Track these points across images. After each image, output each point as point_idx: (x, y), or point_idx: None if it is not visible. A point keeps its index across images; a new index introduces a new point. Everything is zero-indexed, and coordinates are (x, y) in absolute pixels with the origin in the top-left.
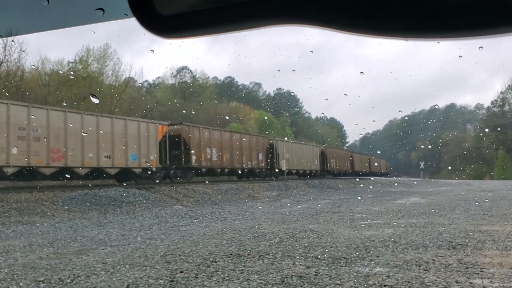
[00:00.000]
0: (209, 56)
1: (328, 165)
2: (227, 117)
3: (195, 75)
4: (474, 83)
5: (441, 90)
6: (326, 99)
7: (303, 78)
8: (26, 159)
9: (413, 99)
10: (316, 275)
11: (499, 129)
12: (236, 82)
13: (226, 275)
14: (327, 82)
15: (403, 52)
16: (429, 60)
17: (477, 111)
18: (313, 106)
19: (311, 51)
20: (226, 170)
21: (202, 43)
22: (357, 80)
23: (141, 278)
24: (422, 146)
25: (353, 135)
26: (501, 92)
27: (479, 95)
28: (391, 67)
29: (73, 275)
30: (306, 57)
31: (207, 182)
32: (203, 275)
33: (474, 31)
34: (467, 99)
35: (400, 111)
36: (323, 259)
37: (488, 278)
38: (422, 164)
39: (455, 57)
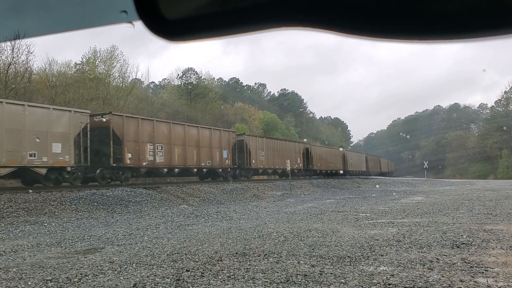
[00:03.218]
0: (215, 57)
1: (348, 166)
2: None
3: (201, 76)
4: (484, 84)
5: (448, 91)
6: (331, 100)
7: (307, 78)
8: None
9: (417, 99)
10: (321, 274)
11: (504, 128)
12: (241, 83)
13: (231, 273)
14: (331, 83)
15: (409, 52)
16: (436, 61)
17: (481, 111)
18: (318, 107)
19: (312, 52)
20: (273, 170)
21: (205, 45)
22: (362, 81)
23: (148, 277)
24: (426, 145)
25: (357, 135)
26: (505, 92)
27: (489, 95)
28: (396, 68)
29: (81, 274)
30: (309, 58)
31: (210, 180)
32: (209, 273)
33: (478, 33)
34: (476, 99)
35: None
36: (328, 258)
37: (493, 277)
38: (426, 164)
39: (464, 58)
